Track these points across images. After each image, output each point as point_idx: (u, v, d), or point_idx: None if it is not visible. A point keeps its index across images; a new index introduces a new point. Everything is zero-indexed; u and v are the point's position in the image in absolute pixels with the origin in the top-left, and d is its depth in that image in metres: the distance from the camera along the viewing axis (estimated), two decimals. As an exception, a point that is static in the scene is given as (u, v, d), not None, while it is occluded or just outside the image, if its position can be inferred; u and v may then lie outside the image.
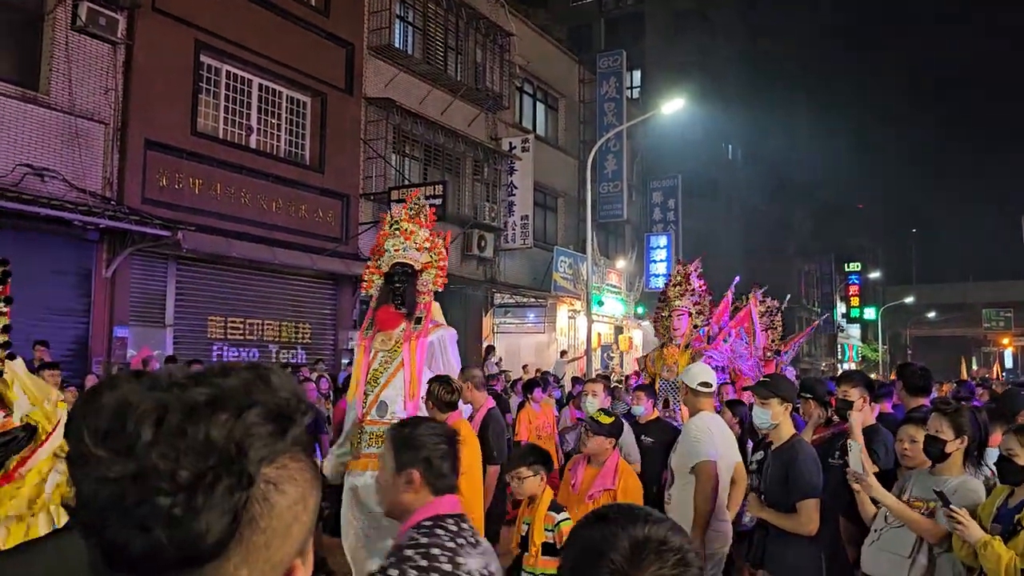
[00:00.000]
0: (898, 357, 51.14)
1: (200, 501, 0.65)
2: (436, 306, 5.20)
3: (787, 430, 4.23)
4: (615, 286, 23.60)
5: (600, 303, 20.75)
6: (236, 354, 13.14)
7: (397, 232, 5.09)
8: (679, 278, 8.44)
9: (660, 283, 26.11)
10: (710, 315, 8.62)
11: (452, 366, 5.11)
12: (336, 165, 15.10)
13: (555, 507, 4.02)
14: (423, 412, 4.61)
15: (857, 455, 3.90)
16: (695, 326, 8.20)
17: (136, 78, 11.66)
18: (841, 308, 48.08)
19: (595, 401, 6.08)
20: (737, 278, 10.42)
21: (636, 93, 30.01)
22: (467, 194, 18.58)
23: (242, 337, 13.41)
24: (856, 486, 3.87)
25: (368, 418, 4.85)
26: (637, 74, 30.89)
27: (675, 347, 8.00)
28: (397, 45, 16.73)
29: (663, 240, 26.65)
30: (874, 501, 3.91)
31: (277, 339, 14.01)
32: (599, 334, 21.75)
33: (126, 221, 10.95)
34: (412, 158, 17.39)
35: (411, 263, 5.03)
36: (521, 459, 4.15)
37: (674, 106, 17.71)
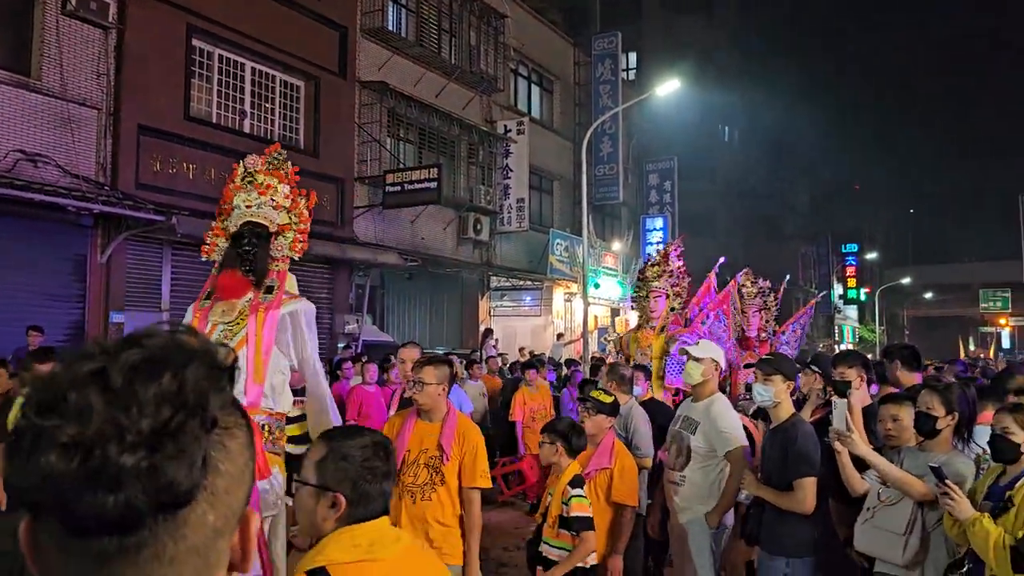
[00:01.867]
0: (895, 337, 51.24)
1: (171, 449, 0.66)
2: (291, 278, 4.42)
3: (787, 409, 4.26)
4: (611, 268, 23.60)
5: (596, 286, 20.76)
6: (233, 339, 13.12)
7: (250, 185, 4.26)
8: (658, 258, 8.19)
9: (657, 265, 26.13)
10: (688, 297, 8.34)
11: (307, 347, 4.24)
12: (330, 149, 15.05)
13: (575, 481, 4.15)
14: (271, 400, 3.97)
15: (841, 413, 3.89)
16: (672, 308, 7.92)
17: (128, 63, 11.58)
18: (838, 289, 48.13)
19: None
20: (722, 259, 10.23)
21: (632, 75, 29.87)
22: (462, 177, 18.54)
23: (238, 322, 13.38)
24: (838, 446, 3.88)
25: None
26: (633, 56, 30.73)
27: (650, 330, 7.69)
28: (391, 28, 16.64)
29: (659, 222, 26.60)
30: (857, 464, 3.92)
31: (273, 324, 13.99)
32: (595, 317, 21.78)
33: (120, 206, 10.92)
34: (407, 141, 17.34)
35: (265, 223, 4.21)
36: (546, 428, 4.43)
37: (669, 88, 17.63)
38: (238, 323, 4.05)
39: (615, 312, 24.38)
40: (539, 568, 4.20)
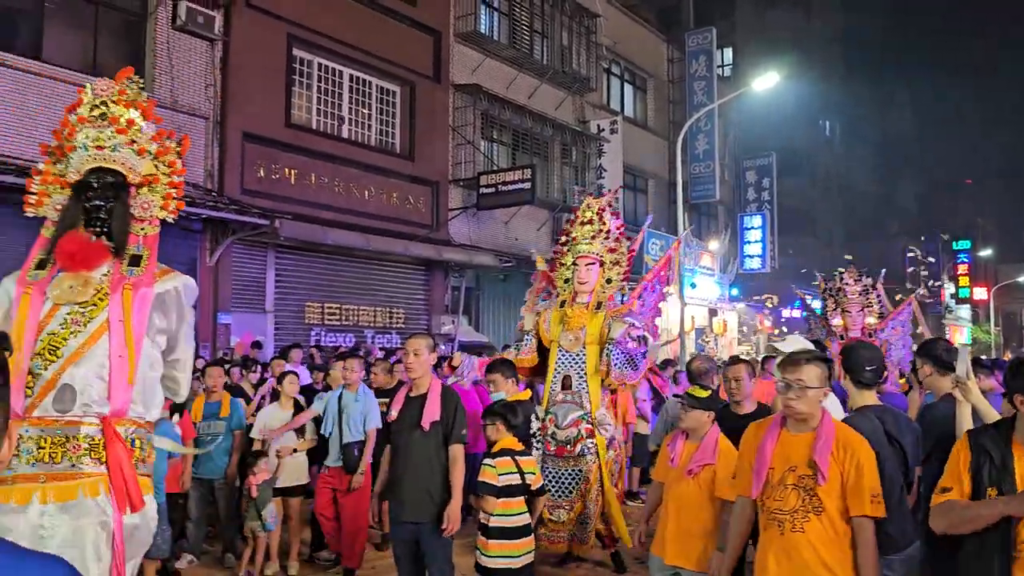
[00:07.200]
0: (1012, 339, 48.60)
1: None
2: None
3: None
4: (708, 268, 23.16)
5: (693, 285, 20.39)
6: (333, 339, 13.47)
7: (103, 119, 3.15)
8: (589, 214, 6.35)
9: (755, 264, 25.52)
10: (629, 267, 6.54)
11: (186, 340, 3.28)
12: (426, 152, 15.28)
13: (495, 453, 4.61)
14: (141, 405, 2.98)
15: (965, 359, 3.67)
16: (608, 280, 6.26)
17: (233, 73, 12.04)
18: (950, 288, 45.93)
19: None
20: (650, 217, 8.49)
21: (727, 71, 29.28)
22: (556, 178, 18.52)
23: (339, 322, 13.74)
24: (958, 394, 3.64)
25: (35, 414, 2.77)
26: (728, 51, 30.12)
27: (582, 307, 6.09)
28: (483, 31, 16.77)
29: (757, 220, 25.94)
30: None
31: (372, 324, 14.30)
32: (692, 317, 21.40)
33: (227, 211, 11.34)
34: (500, 143, 17.44)
35: (121, 170, 3.15)
36: (485, 413, 4.83)
37: (766, 82, 17.15)
38: (95, 304, 2.99)
39: (712, 312, 23.91)
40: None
